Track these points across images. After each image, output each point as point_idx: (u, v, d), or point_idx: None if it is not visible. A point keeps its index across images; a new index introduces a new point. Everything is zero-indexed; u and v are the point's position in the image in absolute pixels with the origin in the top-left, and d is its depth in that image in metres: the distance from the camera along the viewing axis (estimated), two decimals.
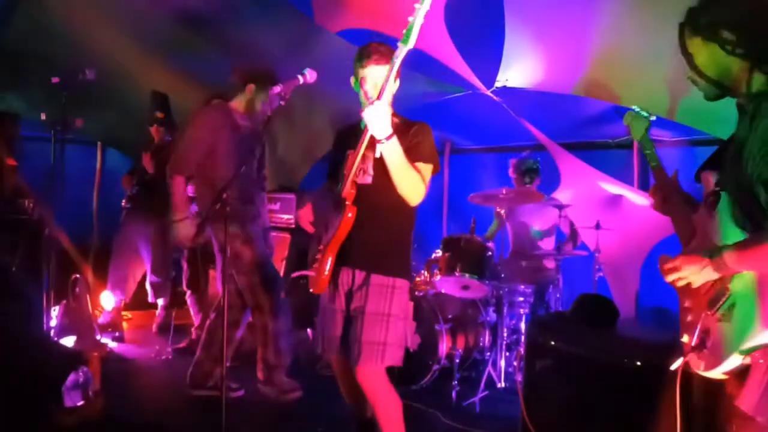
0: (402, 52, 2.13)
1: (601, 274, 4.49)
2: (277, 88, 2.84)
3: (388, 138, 2.22)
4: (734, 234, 1.55)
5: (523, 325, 4.21)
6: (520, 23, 3.85)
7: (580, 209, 4.75)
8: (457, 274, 4.09)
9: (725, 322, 1.55)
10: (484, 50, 4.22)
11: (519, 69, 4.25)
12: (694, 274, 1.59)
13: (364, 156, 2.37)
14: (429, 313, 4.08)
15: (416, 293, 4.18)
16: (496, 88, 4.44)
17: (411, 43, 2.09)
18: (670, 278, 1.64)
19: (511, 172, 4.84)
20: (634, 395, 2.58)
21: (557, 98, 4.49)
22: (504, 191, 4.25)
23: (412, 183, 2.32)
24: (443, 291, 4.31)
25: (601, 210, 4.71)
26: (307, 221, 2.65)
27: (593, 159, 4.73)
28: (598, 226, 4.37)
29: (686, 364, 1.66)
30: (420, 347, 4.04)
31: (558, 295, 4.52)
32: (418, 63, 3.97)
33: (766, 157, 1.46)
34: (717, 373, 1.56)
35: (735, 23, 1.59)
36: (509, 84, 4.38)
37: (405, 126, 2.39)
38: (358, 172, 2.42)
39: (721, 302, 1.57)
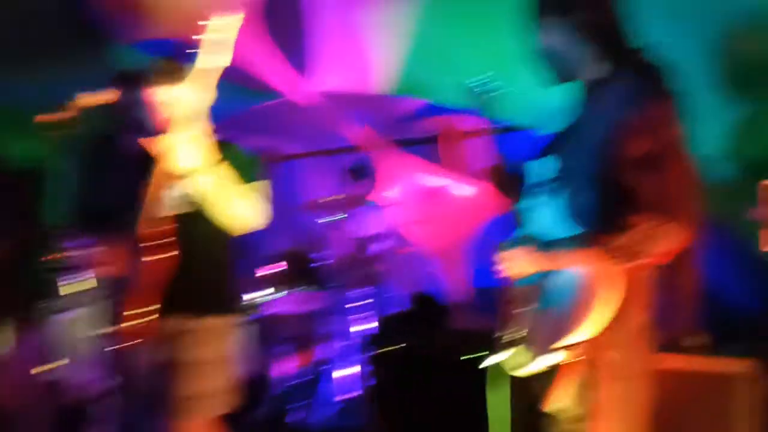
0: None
1: (431, 267, 4.61)
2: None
3: (203, 170, 1.93)
4: (563, 225, 1.51)
5: (362, 330, 4.18)
6: (321, 27, 3.82)
7: (402, 205, 4.83)
8: (290, 289, 3.95)
9: (541, 320, 1.53)
10: (294, 55, 4.12)
11: (329, 72, 4.21)
12: (524, 264, 1.57)
13: (161, 185, 2.05)
14: (265, 336, 3.90)
15: (248, 318, 3.97)
16: (312, 92, 4.36)
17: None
18: (504, 267, 1.62)
19: (336, 177, 4.79)
20: (468, 387, 2.60)
21: (371, 98, 4.52)
22: (330, 197, 4.17)
23: (242, 210, 2.06)
24: (278, 310, 4.14)
25: (422, 203, 4.82)
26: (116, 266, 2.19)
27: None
28: (420, 220, 4.46)
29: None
30: (259, 373, 3.88)
31: (392, 295, 4.55)
32: (228, 72, 3.76)
33: (591, 150, 1.44)
34: (525, 372, 1.53)
35: (593, 3, 1.56)
36: (324, 87, 4.32)
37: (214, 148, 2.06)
38: (158, 204, 2.07)
39: (539, 299, 1.55)
